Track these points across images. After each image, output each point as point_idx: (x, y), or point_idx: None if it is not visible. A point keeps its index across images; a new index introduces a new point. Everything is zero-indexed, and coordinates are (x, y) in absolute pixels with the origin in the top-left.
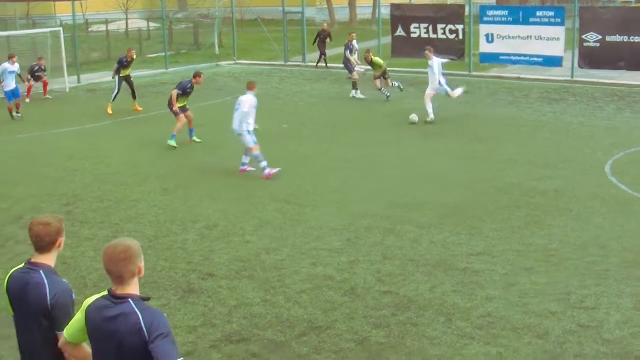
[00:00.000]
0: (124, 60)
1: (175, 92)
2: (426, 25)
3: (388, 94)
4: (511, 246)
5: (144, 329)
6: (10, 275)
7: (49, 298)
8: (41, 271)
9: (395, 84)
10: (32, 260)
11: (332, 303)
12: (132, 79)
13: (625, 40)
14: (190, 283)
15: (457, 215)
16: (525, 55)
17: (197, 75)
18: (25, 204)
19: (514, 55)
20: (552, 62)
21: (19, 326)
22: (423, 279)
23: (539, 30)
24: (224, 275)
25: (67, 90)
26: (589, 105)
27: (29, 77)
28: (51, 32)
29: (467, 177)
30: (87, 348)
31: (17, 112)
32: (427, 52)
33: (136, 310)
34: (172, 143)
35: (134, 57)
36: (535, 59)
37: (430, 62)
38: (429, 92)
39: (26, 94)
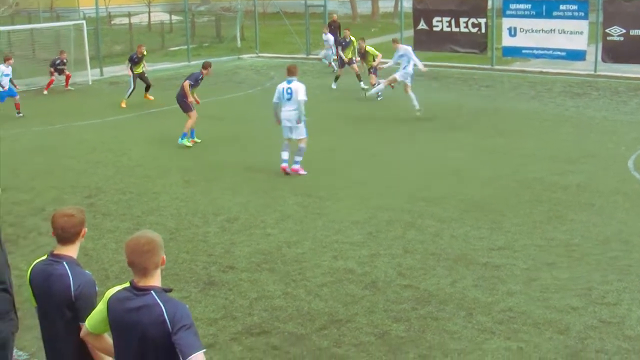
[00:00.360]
0: (135, 57)
1: (187, 83)
2: (448, 19)
3: (366, 88)
4: (532, 241)
5: (167, 320)
6: (33, 267)
7: (72, 289)
8: (64, 262)
9: (380, 88)
10: (55, 252)
11: (353, 296)
12: (146, 75)
13: None
14: (211, 275)
15: (479, 210)
16: (548, 49)
17: (207, 66)
18: (47, 195)
19: (537, 49)
20: (575, 55)
21: (42, 317)
22: (444, 273)
23: (562, 23)
24: (244, 267)
25: (90, 83)
26: (612, 100)
27: (52, 70)
28: (74, 25)
29: (489, 171)
30: (108, 339)
31: (19, 113)
32: (393, 43)
33: (159, 301)
34: (186, 142)
35: (145, 53)
36: (558, 52)
37: (400, 52)
38: (409, 83)
39: (45, 87)
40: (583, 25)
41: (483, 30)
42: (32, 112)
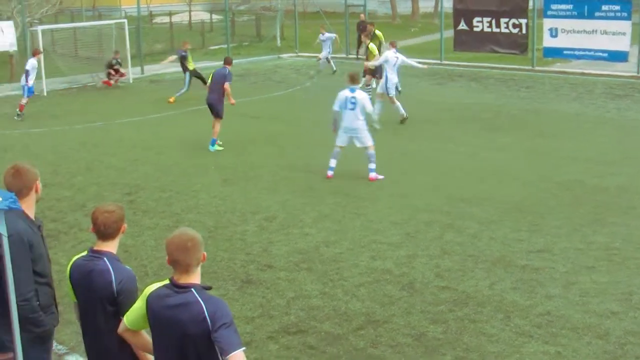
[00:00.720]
0: (182, 52)
1: (228, 85)
2: (489, 19)
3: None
4: (572, 244)
5: (208, 318)
6: (73, 262)
7: (114, 284)
8: (105, 258)
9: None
10: (95, 248)
11: (390, 297)
12: (198, 71)
13: None
14: (249, 274)
15: (518, 212)
16: (589, 50)
17: (230, 61)
18: (88, 192)
19: (578, 49)
20: (617, 57)
21: (82, 312)
22: (482, 275)
23: (604, 24)
24: (282, 266)
25: (131, 81)
26: None
27: (109, 71)
28: (116, 24)
29: (529, 172)
30: (146, 335)
31: (20, 113)
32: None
33: (199, 299)
34: (217, 147)
35: (189, 47)
36: (600, 53)
37: (392, 55)
38: (392, 95)
39: (105, 82)
40: (626, 25)
41: (524, 31)
42: (74, 109)
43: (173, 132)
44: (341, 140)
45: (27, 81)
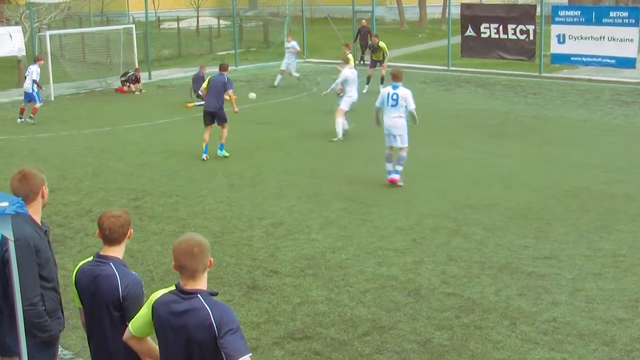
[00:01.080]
0: (200, 74)
1: (232, 92)
2: (496, 25)
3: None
4: (579, 250)
5: (214, 324)
6: (79, 267)
7: (120, 289)
8: (111, 263)
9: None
10: (102, 253)
11: (396, 303)
12: None
13: None
14: (255, 279)
15: (524, 218)
16: (597, 56)
17: (226, 67)
18: (94, 197)
19: (586, 56)
20: (625, 63)
21: (88, 317)
22: (488, 281)
23: (611, 30)
24: (288, 272)
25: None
26: None
27: (124, 81)
28: (124, 29)
29: (535, 179)
30: (152, 342)
31: (21, 118)
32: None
33: (205, 305)
34: (225, 152)
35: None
36: (608, 60)
37: (350, 70)
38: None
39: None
40: (633, 32)
41: (531, 37)
42: (82, 114)
43: (180, 137)
44: (387, 140)
45: (40, 88)
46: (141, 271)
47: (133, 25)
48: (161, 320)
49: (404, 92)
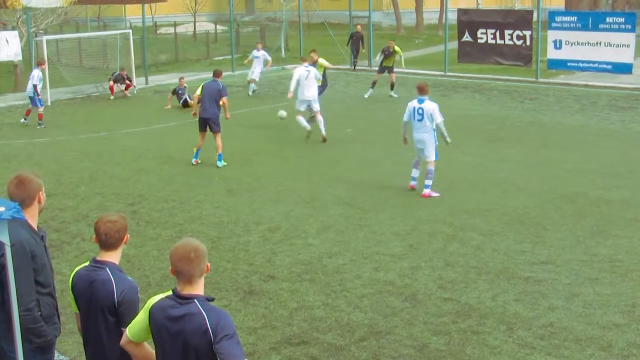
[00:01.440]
0: (180, 89)
1: (226, 100)
2: (493, 31)
3: (395, 96)
4: (575, 256)
5: (210, 329)
6: (76, 272)
7: (116, 295)
8: (107, 268)
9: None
10: (98, 258)
11: (393, 308)
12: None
13: None
14: (252, 285)
15: (521, 223)
16: (593, 62)
17: (220, 73)
18: (91, 202)
19: (582, 61)
20: (622, 69)
21: (84, 322)
22: (485, 286)
23: (608, 36)
24: (285, 277)
25: (135, 92)
26: None
27: (111, 84)
28: (121, 34)
29: (532, 184)
30: (149, 347)
31: (25, 119)
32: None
33: (202, 310)
34: (224, 163)
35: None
36: (604, 65)
37: (302, 71)
38: (300, 108)
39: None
40: (630, 38)
41: (528, 43)
42: (78, 119)
43: (177, 142)
44: (417, 153)
45: (39, 94)
46: (138, 276)
47: (130, 31)
48: (158, 325)
49: (429, 106)
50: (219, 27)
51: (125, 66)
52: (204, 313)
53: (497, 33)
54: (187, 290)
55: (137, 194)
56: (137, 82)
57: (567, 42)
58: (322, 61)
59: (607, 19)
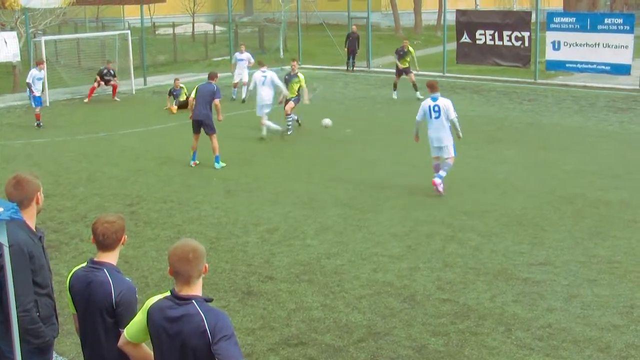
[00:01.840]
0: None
1: (218, 101)
2: (492, 32)
3: (421, 98)
4: (574, 257)
5: (208, 330)
6: (73, 273)
7: (113, 296)
8: (105, 269)
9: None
10: (95, 259)
11: (391, 309)
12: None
13: None
14: (250, 285)
15: (520, 224)
16: (592, 63)
17: (215, 76)
18: (89, 203)
19: (581, 62)
20: (620, 70)
21: (82, 323)
22: (483, 287)
23: (606, 37)
24: (283, 278)
25: (134, 92)
26: None
27: (98, 79)
28: (119, 35)
29: (531, 185)
30: (147, 348)
31: (39, 122)
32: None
33: (200, 311)
34: (222, 163)
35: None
36: (603, 66)
37: (258, 75)
38: (260, 113)
39: (87, 95)
40: (628, 39)
41: (526, 44)
42: (77, 120)
43: (175, 143)
44: (433, 151)
45: (32, 92)
46: (136, 277)
47: (129, 31)
48: (156, 326)
49: (444, 103)
50: (217, 27)
51: (124, 67)
52: (202, 314)
53: (496, 34)
54: (185, 291)
55: (135, 195)
56: (136, 83)
57: (565, 43)
58: (301, 77)
59: (606, 20)
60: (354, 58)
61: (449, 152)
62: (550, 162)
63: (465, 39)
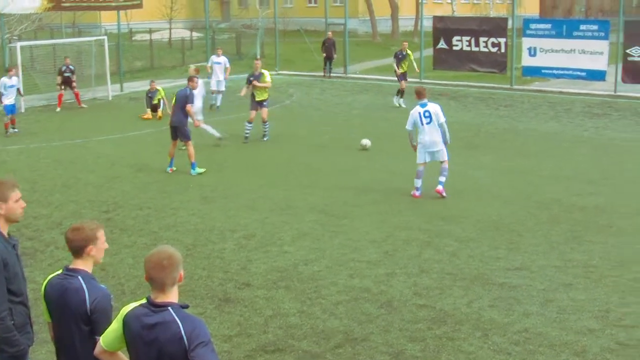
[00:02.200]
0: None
1: (190, 107)
2: (468, 38)
3: (398, 105)
4: (550, 261)
5: (184, 337)
6: (48, 281)
7: (88, 303)
8: (79, 276)
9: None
10: (71, 267)
11: (368, 315)
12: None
13: None
14: (227, 292)
15: (496, 230)
16: (568, 69)
17: (191, 79)
18: (65, 210)
19: (557, 68)
20: (595, 76)
21: (57, 331)
22: (460, 293)
23: (582, 43)
24: (260, 285)
25: (110, 98)
26: (631, 120)
27: (59, 82)
28: (96, 41)
29: (507, 191)
30: (124, 356)
31: (14, 128)
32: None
33: (176, 318)
34: (200, 170)
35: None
36: (578, 72)
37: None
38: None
39: (57, 103)
40: (603, 45)
41: (503, 50)
42: (52, 126)
43: (152, 149)
44: (422, 157)
45: (1, 101)
46: (112, 284)
47: (105, 37)
48: (132, 333)
49: (433, 108)
50: (194, 33)
51: (100, 73)
52: (178, 321)
53: (472, 40)
54: (160, 298)
55: (111, 202)
56: (112, 89)
57: (541, 50)
58: (266, 73)
59: (581, 27)
60: (330, 64)
61: (443, 156)
62: (526, 168)
63: (442, 45)
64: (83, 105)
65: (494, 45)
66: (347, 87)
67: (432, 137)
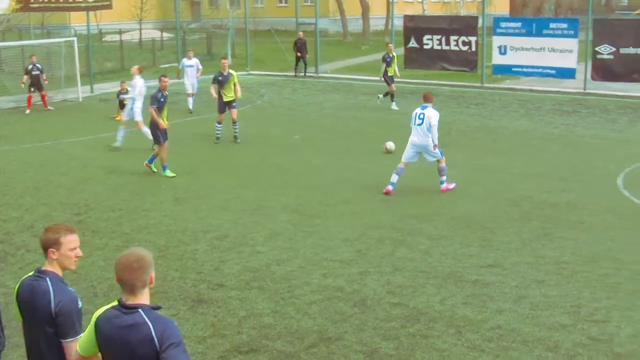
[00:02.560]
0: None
1: (152, 109)
2: (439, 37)
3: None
4: (522, 258)
5: (155, 339)
6: (21, 283)
7: (52, 305)
8: (48, 278)
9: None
10: (42, 268)
11: (342, 314)
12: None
13: (639, 52)
14: (200, 293)
15: (468, 227)
16: (538, 67)
17: (159, 79)
18: (36, 212)
19: (527, 66)
20: (565, 73)
21: (26, 333)
22: (433, 290)
23: (552, 42)
24: (233, 285)
25: (80, 100)
26: (601, 118)
27: (24, 79)
28: (65, 42)
29: (479, 189)
30: None
31: None
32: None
33: (147, 320)
34: (170, 173)
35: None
36: (548, 70)
37: (140, 82)
38: (139, 118)
39: (27, 105)
40: (573, 43)
41: (473, 49)
42: (22, 129)
43: (124, 151)
44: (407, 156)
45: None
46: (84, 287)
47: (75, 38)
48: (104, 336)
49: (430, 112)
50: (165, 34)
51: (70, 74)
52: (149, 322)
53: (443, 39)
54: (131, 300)
55: (83, 204)
56: (82, 90)
57: (512, 48)
58: (234, 74)
59: (551, 25)
60: (305, 64)
61: (436, 155)
62: (497, 166)
63: (412, 44)
64: (49, 107)
65: (464, 43)
66: (319, 86)
67: (419, 139)
